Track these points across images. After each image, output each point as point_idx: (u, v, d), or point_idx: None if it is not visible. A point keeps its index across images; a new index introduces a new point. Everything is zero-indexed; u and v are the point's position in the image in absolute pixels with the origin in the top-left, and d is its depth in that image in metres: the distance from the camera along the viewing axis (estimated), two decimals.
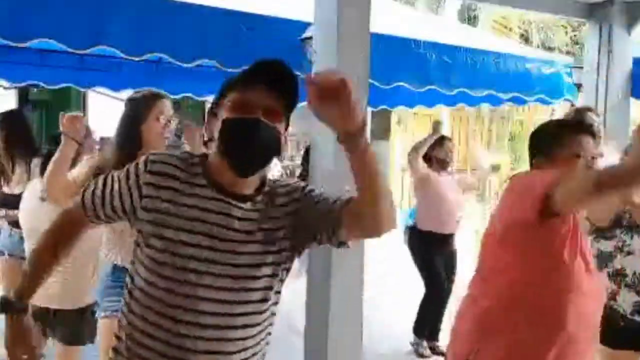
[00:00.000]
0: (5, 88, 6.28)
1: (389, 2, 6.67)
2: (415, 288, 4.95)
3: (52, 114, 8.87)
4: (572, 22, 13.63)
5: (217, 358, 1.50)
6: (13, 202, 3.58)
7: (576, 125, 2.14)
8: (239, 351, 1.53)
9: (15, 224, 3.61)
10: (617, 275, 2.82)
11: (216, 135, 1.53)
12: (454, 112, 12.68)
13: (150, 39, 3.31)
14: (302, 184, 1.68)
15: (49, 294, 3.05)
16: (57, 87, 5.98)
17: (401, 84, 4.43)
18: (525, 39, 14.35)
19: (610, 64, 4.72)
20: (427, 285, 4.84)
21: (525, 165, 2.31)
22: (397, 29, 4.50)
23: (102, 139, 4.01)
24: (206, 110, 1.61)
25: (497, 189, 10.28)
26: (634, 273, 2.79)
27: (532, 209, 1.86)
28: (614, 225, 2.83)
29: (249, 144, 1.50)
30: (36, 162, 3.61)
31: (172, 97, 3.30)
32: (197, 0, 3.56)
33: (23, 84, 6.29)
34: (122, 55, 3.35)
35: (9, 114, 4.23)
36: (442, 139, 5.04)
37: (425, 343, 4.87)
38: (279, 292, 1.67)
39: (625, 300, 2.79)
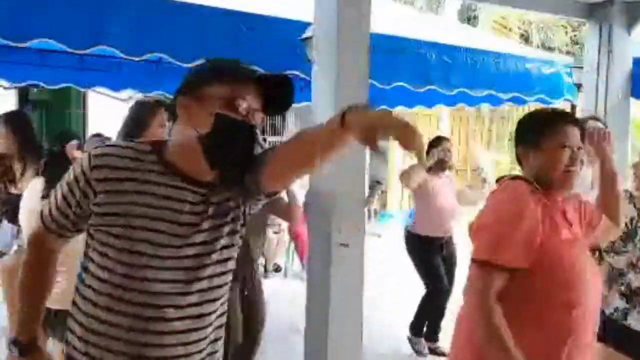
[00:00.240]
0: (5, 88, 6.28)
1: (389, 2, 6.68)
2: (415, 288, 4.95)
3: (52, 114, 8.89)
4: (572, 22, 13.64)
5: (178, 337, 1.52)
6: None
7: (563, 115, 2.11)
8: (204, 327, 1.57)
9: None
10: (633, 294, 2.75)
11: (196, 122, 1.51)
12: (454, 112, 12.69)
13: (150, 39, 3.32)
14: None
15: (54, 294, 3.05)
16: (57, 87, 5.99)
17: (401, 84, 4.43)
18: (525, 39, 14.35)
19: (610, 64, 4.72)
20: (427, 285, 4.84)
21: None
22: (397, 29, 4.50)
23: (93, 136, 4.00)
24: None
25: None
26: None
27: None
28: (626, 238, 2.79)
29: (241, 145, 1.52)
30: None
31: (172, 97, 3.30)
32: (197, 0, 3.57)
33: (23, 84, 6.29)
34: (122, 55, 3.35)
35: (18, 115, 4.18)
36: (439, 139, 5.03)
37: (423, 341, 4.87)
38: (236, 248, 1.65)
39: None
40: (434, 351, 4.87)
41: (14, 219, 3.58)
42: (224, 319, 1.65)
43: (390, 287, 5.60)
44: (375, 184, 5.13)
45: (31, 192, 3.27)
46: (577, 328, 1.95)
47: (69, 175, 1.58)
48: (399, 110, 10.82)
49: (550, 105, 5.00)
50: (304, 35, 3.74)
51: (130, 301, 1.49)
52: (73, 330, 1.59)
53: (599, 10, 4.77)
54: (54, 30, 3.07)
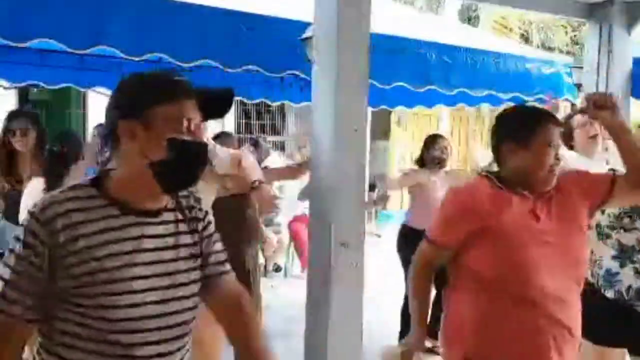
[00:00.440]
0: (5, 88, 6.28)
1: (389, 2, 6.68)
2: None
3: (52, 114, 8.89)
4: (572, 22, 13.64)
5: None
6: None
7: (547, 114, 2.13)
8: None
9: None
10: None
11: (146, 149, 1.44)
12: (454, 112, 12.68)
13: (150, 39, 3.31)
14: (209, 218, 1.66)
15: None
16: (57, 87, 5.99)
17: (401, 84, 4.43)
18: (526, 38, 14.36)
19: (610, 64, 4.71)
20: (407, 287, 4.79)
21: None
22: (397, 29, 4.50)
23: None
24: None
25: None
26: None
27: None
28: (634, 215, 2.80)
29: (196, 166, 1.50)
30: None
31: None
32: (197, 0, 3.56)
33: (23, 84, 6.29)
34: (122, 55, 3.34)
35: (34, 115, 4.18)
36: (435, 138, 5.04)
37: None
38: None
39: None
40: (431, 350, 4.85)
41: (13, 216, 3.58)
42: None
43: (390, 287, 5.58)
44: (380, 190, 5.15)
45: (32, 191, 3.27)
46: (539, 324, 1.98)
47: (15, 250, 1.41)
48: (399, 110, 10.80)
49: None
50: (304, 35, 3.73)
51: (122, 343, 1.43)
52: None
53: (599, 10, 4.76)
54: (54, 30, 3.07)
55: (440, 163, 4.92)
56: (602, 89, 4.71)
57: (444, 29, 6.70)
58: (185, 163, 1.46)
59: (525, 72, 5.11)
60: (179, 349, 1.54)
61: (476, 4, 12.66)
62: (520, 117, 2.14)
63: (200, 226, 1.61)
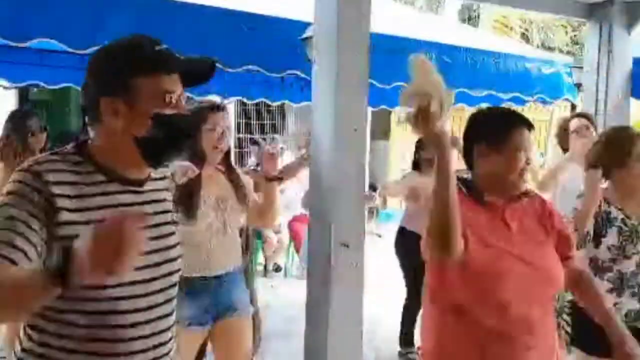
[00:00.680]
0: (5, 88, 6.27)
1: (389, 2, 6.68)
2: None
3: (53, 114, 8.89)
4: (572, 22, 13.64)
5: (146, 342, 1.49)
6: None
7: (520, 117, 2.09)
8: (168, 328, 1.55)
9: None
10: None
11: (130, 124, 1.43)
12: (454, 112, 12.67)
13: None
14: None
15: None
16: (57, 87, 5.99)
17: (401, 84, 4.41)
18: (526, 38, 14.36)
19: (610, 64, 4.72)
20: (408, 288, 4.80)
21: None
22: (397, 29, 4.50)
23: None
24: None
25: None
26: None
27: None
28: (630, 239, 2.78)
29: (182, 140, 1.50)
30: None
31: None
32: (197, 0, 3.57)
33: (23, 84, 6.29)
34: None
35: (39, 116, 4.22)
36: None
37: (415, 349, 4.82)
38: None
39: None
40: (404, 355, 4.83)
41: None
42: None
43: (390, 287, 5.58)
44: (371, 191, 5.15)
45: None
46: (504, 332, 1.92)
47: (9, 200, 1.34)
48: (399, 110, 10.80)
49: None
50: (304, 35, 3.74)
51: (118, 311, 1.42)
52: None
53: (599, 10, 4.77)
54: (54, 30, 3.07)
55: (433, 164, 4.88)
56: (602, 89, 4.72)
57: (444, 29, 6.70)
58: (171, 138, 1.46)
59: (525, 72, 5.11)
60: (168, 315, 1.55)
61: (476, 4, 12.66)
62: (493, 120, 2.10)
63: (162, 186, 1.64)
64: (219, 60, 3.58)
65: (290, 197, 7.31)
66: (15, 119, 4.03)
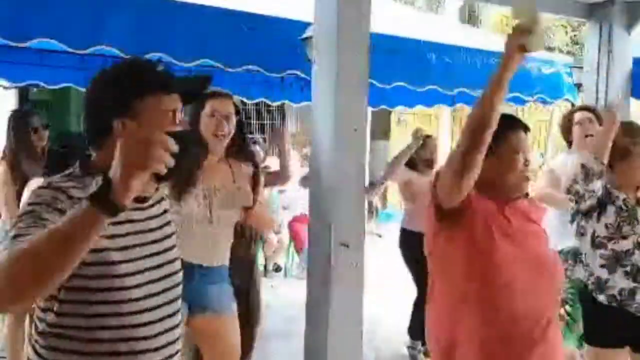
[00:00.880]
0: (5, 88, 6.27)
1: (389, 2, 6.67)
2: (415, 288, 4.95)
3: (52, 114, 8.89)
4: (572, 22, 13.63)
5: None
6: None
7: (514, 121, 2.14)
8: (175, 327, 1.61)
9: None
10: (639, 273, 2.80)
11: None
12: (454, 112, 12.67)
13: (150, 39, 3.31)
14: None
15: None
16: (57, 87, 5.99)
17: (401, 84, 4.43)
18: None
19: (610, 64, 4.71)
20: (417, 287, 4.82)
21: None
22: (397, 29, 4.50)
23: None
24: None
25: None
26: None
27: (432, 217, 2.03)
28: (629, 220, 2.82)
29: (188, 157, 1.52)
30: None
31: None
32: (197, 0, 3.56)
33: (23, 84, 6.29)
34: (122, 55, 3.34)
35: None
36: (425, 139, 5.01)
37: (420, 346, 4.84)
38: None
39: None
40: (428, 355, 4.83)
41: None
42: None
43: (391, 287, 5.59)
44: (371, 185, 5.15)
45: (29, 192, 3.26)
46: (519, 324, 1.97)
47: (35, 205, 1.39)
48: (399, 110, 10.79)
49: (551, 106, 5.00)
50: (304, 35, 3.73)
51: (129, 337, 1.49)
52: None
53: (599, 10, 4.76)
54: (54, 30, 3.06)
55: (430, 164, 4.90)
56: (602, 89, 4.72)
57: (444, 29, 6.70)
58: (180, 155, 1.48)
59: (525, 72, 5.10)
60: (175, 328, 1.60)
61: (476, 4, 12.66)
62: None
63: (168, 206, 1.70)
64: (219, 61, 3.59)
65: (291, 197, 7.32)
66: (17, 118, 4.03)
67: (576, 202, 2.92)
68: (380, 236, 9.30)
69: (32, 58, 5.12)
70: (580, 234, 2.92)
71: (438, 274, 2.11)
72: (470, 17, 14.56)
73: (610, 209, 2.84)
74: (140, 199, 1.54)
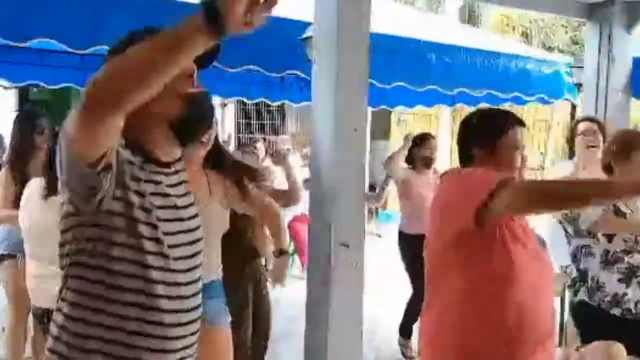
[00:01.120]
0: (5, 88, 6.29)
1: (389, 2, 6.68)
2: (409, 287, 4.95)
3: (53, 114, 8.90)
4: (572, 22, 13.64)
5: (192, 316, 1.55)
6: None
7: (512, 117, 2.14)
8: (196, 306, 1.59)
9: None
10: None
11: (162, 107, 1.47)
12: (454, 112, 12.68)
13: None
14: None
15: (52, 295, 3.04)
16: (57, 87, 5.99)
17: (401, 84, 4.43)
18: (526, 38, 14.36)
19: (610, 64, 4.71)
20: (413, 286, 4.83)
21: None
22: (397, 29, 4.50)
23: None
24: None
25: None
26: None
27: (470, 216, 1.91)
28: None
29: (209, 116, 1.63)
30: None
31: None
32: (198, 0, 3.56)
33: (23, 84, 6.29)
34: None
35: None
36: (425, 137, 5.02)
37: (410, 344, 4.85)
38: None
39: None
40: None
41: None
42: None
43: (390, 287, 5.58)
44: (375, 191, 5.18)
45: (31, 190, 3.25)
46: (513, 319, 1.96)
47: None
48: (399, 110, 10.80)
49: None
50: (304, 35, 3.73)
51: (155, 294, 1.47)
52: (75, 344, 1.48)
53: (599, 10, 4.76)
54: (54, 30, 3.06)
55: (428, 163, 4.91)
56: (602, 89, 4.71)
57: (444, 29, 6.70)
58: (201, 115, 1.55)
59: (525, 72, 5.11)
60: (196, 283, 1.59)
61: (476, 4, 12.66)
62: (485, 122, 2.15)
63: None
64: (219, 61, 3.59)
65: None
66: (23, 119, 4.02)
67: (572, 220, 2.92)
68: (380, 236, 9.30)
69: (32, 58, 5.12)
70: (588, 254, 2.90)
71: (450, 273, 2.07)
72: (470, 17, 14.55)
73: None
74: (165, 164, 1.54)
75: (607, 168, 2.93)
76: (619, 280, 2.83)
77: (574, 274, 3.03)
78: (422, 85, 4.58)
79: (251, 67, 3.79)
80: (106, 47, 3.22)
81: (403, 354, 4.82)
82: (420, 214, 4.77)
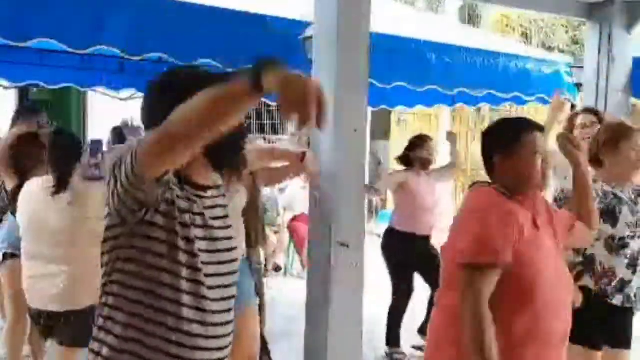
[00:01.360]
0: (5, 88, 6.27)
1: (389, 2, 6.67)
2: (416, 288, 4.95)
3: (52, 114, 8.89)
4: (572, 22, 13.64)
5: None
6: None
7: (530, 123, 2.19)
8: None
9: None
10: None
11: None
12: (454, 112, 12.68)
13: (150, 38, 3.31)
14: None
15: (50, 296, 3.04)
16: (57, 87, 5.99)
17: (401, 84, 4.43)
18: (526, 38, 14.36)
19: (610, 64, 4.72)
20: (395, 292, 4.82)
21: None
22: (397, 29, 4.50)
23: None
24: None
25: None
26: None
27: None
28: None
29: (240, 142, 1.64)
30: None
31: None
32: (197, 1, 3.57)
33: (23, 84, 6.30)
34: (122, 55, 3.34)
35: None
36: (422, 138, 5.02)
37: (400, 350, 4.85)
38: None
39: None
40: (391, 356, 4.85)
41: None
42: None
43: (390, 287, 5.58)
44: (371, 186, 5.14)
45: (34, 188, 3.22)
46: (541, 328, 1.99)
47: None
48: (399, 110, 10.79)
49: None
50: (304, 35, 3.74)
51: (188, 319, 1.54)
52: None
53: (599, 10, 4.77)
54: (54, 30, 3.07)
55: (425, 164, 4.91)
56: (602, 88, 4.72)
57: (444, 29, 6.70)
58: (233, 141, 1.57)
59: (525, 72, 5.11)
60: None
61: (476, 4, 12.66)
62: (504, 128, 2.21)
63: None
64: (219, 61, 3.59)
65: (291, 197, 7.32)
66: (22, 113, 4.02)
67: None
68: (380, 236, 9.28)
69: (32, 58, 5.13)
70: (594, 239, 2.88)
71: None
72: (470, 17, 14.55)
73: (625, 209, 2.85)
74: (201, 188, 1.61)
75: (595, 160, 2.92)
76: (627, 266, 2.84)
77: (578, 259, 3.02)
78: (422, 85, 4.58)
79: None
80: (106, 47, 3.24)
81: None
82: (415, 213, 4.78)
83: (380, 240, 5.06)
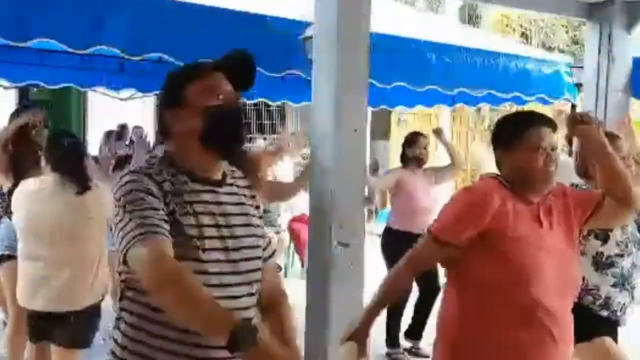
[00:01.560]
0: (5, 88, 6.28)
1: (389, 2, 6.67)
2: (414, 288, 4.94)
3: (52, 114, 8.89)
4: (572, 22, 13.64)
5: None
6: None
7: (535, 117, 2.13)
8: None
9: None
10: None
11: (190, 125, 1.59)
12: (454, 112, 12.68)
13: (150, 38, 3.31)
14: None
15: (49, 296, 3.04)
16: (57, 87, 6.00)
17: (401, 84, 4.43)
18: (526, 38, 14.36)
19: (610, 64, 4.71)
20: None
21: None
22: (397, 29, 4.50)
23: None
24: None
25: None
26: None
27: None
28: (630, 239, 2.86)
29: (235, 126, 1.65)
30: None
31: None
32: (198, 0, 3.56)
33: (23, 84, 6.30)
34: (122, 55, 3.34)
35: None
36: (416, 136, 5.03)
37: (401, 350, 4.85)
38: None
39: None
40: (415, 353, 4.86)
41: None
42: None
43: None
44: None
45: (38, 188, 3.21)
46: (535, 325, 1.99)
47: (135, 189, 1.54)
48: (399, 110, 10.79)
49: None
50: (304, 35, 3.74)
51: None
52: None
53: (599, 10, 4.76)
54: (54, 30, 3.07)
55: (419, 162, 4.92)
56: (602, 89, 4.71)
57: (444, 29, 6.70)
58: (226, 126, 1.60)
59: (525, 72, 5.11)
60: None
61: (476, 4, 12.66)
62: (506, 123, 2.19)
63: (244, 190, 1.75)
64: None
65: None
66: (19, 112, 4.02)
67: None
68: (379, 236, 9.28)
69: (32, 58, 5.13)
70: (580, 253, 2.87)
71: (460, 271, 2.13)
72: (470, 17, 14.55)
73: (617, 228, 2.81)
74: (214, 182, 1.63)
75: (584, 174, 2.89)
76: (613, 285, 2.82)
77: None
78: (422, 85, 4.58)
79: None
80: (106, 47, 3.24)
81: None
82: (411, 212, 4.78)
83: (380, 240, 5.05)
